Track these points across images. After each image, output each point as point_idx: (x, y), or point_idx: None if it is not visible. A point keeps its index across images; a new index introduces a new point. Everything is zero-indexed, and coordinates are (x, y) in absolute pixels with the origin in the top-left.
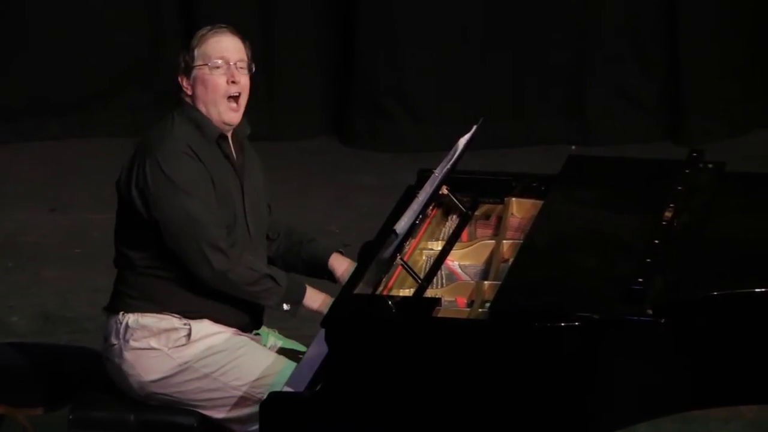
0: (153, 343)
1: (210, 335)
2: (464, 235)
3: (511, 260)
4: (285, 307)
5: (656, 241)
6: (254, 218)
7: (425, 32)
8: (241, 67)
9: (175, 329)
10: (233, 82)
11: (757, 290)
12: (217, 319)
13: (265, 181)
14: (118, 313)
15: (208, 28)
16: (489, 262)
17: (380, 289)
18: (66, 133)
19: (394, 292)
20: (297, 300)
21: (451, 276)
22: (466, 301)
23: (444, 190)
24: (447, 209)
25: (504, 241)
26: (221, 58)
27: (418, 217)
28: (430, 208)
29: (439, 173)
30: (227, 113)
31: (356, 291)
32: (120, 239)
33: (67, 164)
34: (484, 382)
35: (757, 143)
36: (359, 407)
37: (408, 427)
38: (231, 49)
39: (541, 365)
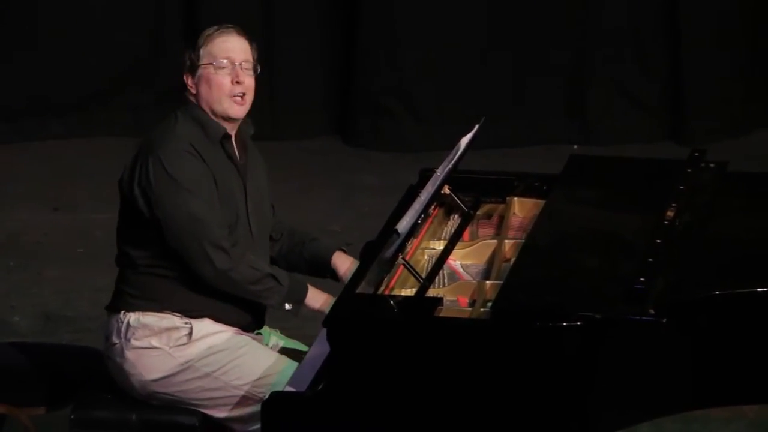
0: (154, 342)
1: (211, 334)
2: (466, 234)
3: (513, 260)
4: (287, 306)
5: (658, 241)
6: (257, 218)
7: (427, 32)
8: (246, 68)
9: (177, 328)
10: (238, 82)
11: (758, 290)
12: (218, 319)
13: (268, 182)
14: (119, 312)
15: (215, 27)
16: (491, 262)
17: (382, 288)
18: (67, 132)
19: (395, 292)
20: (299, 299)
21: (453, 275)
22: (467, 301)
23: (446, 190)
24: (449, 209)
25: (506, 241)
26: (227, 58)
27: (420, 216)
28: (432, 207)
29: (440, 173)
30: (232, 107)
31: (358, 290)
32: (122, 238)
33: (68, 164)
34: (486, 382)
35: (759, 143)
36: (361, 407)
37: (410, 426)
38: (237, 50)
39: (542, 365)
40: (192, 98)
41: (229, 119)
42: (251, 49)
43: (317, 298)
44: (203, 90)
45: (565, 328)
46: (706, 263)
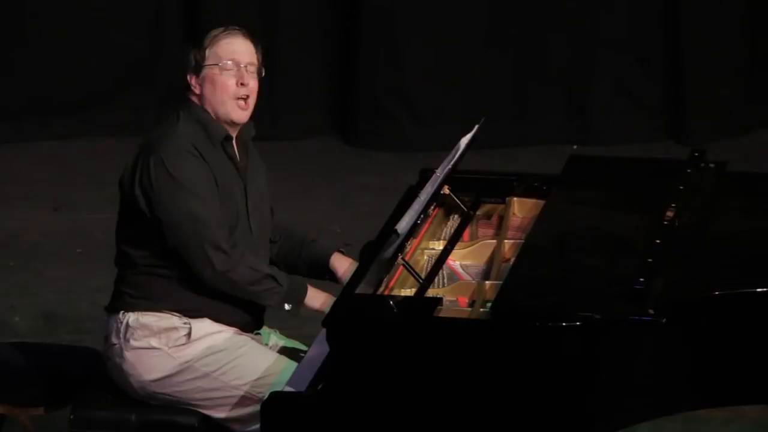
0: (153, 342)
1: (210, 334)
2: (466, 234)
3: (513, 260)
4: (286, 307)
5: (658, 241)
6: (257, 219)
7: (427, 32)
8: (251, 71)
9: (176, 328)
10: (242, 84)
11: (758, 290)
12: (217, 319)
13: (267, 184)
14: (118, 313)
15: (222, 28)
16: (490, 262)
17: (381, 288)
18: (68, 132)
19: (395, 292)
20: (298, 299)
21: (453, 276)
22: (467, 301)
23: (445, 190)
24: (448, 209)
25: (505, 241)
26: (232, 59)
27: (419, 216)
28: (432, 207)
29: (440, 173)
30: (235, 111)
31: (357, 291)
32: (121, 238)
33: (68, 164)
34: (486, 382)
35: (759, 143)
36: (360, 407)
37: (409, 426)
38: (242, 52)
39: (542, 365)
40: (195, 98)
41: (231, 123)
42: (257, 52)
43: (317, 298)
44: (207, 90)
45: (565, 328)
46: (705, 263)
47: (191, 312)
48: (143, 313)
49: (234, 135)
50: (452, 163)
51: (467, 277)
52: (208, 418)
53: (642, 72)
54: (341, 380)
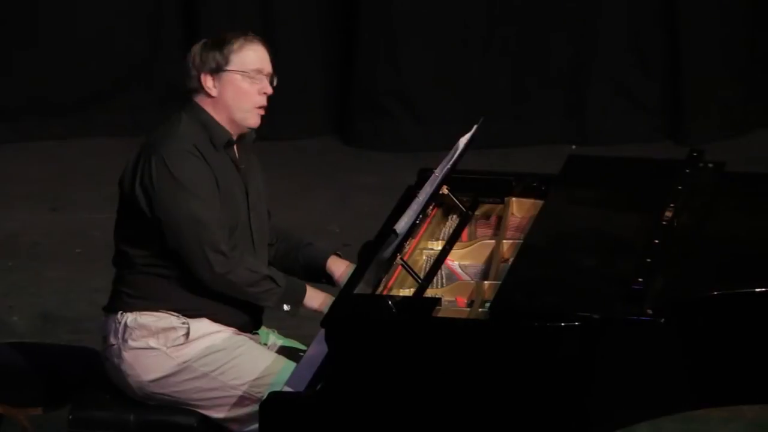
0: (152, 342)
1: (209, 334)
2: (464, 234)
3: (511, 260)
4: (285, 307)
5: (656, 241)
6: (257, 221)
7: (426, 32)
8: (271, 81)
9: (174, 328)
10: (264, 93)
11: (757, 290)
12: (216, 319)
13: (264, 185)
14: (116, 313)
15: (240, 34)
16: (489, 262)
17: (380, 289)
18: (67, 132)
19: (394, 292)
20: (297, 300)
21: (451, 276)
22: (466, 301)
23: (444, 190)
24: (447, 209)
25: (504, 241)
26: (259, 69)
27: (418, 216)
28: (431, 207)
29: (439, 173)
30: (254, 118)
31: (356, 291)
32: (120, 237)
33: (67, 164)
34: (485, 382)
35: (758, 143)
36: (359, 407)
37: (408, 427)
38: (266, 61)
39: (541, 365)
40: (206, 100)
41: (243, 128)
42: (271, 60)
43: (315, 299)
44: (228, 95)
45: (564, 328)
46: (704, 263)
47: (190, 312)
48: (141, 313)
49: (234, 137)
50: (451, 163)
51: (466, 277)
52: (206, 419)
53: (641, 72)
54: (340, 380)
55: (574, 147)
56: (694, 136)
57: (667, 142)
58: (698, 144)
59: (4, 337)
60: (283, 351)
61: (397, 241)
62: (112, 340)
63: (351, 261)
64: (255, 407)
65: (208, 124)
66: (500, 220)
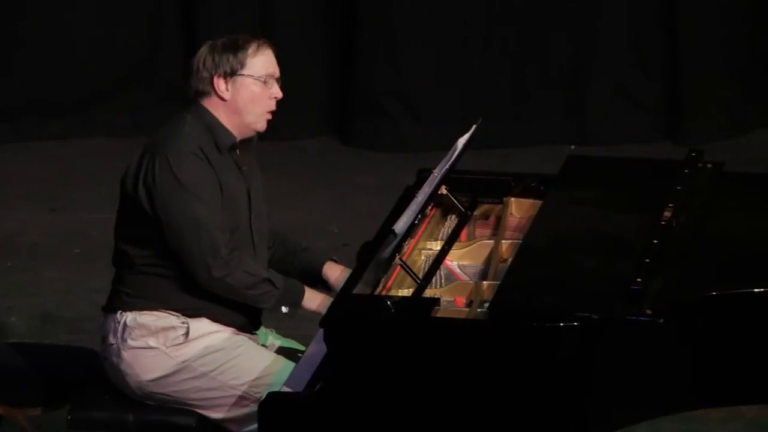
0: (151, 342)
1: (208, 334)
2: (463, 235)
3: (510, 260)
4: (284, 309)
5: (655, 241)
6: (258, 223)
7: (425, 32)
8: (280, 84)
9: (173, 328)
10: (275, 98)
11: (755, 290)
12: (215, 319)
13: (262, 185)
14: (115, 312)
15: (252, 38)
16: (488, 262)
17: (379, 289)
18: (66, 133)
19: (392, 292)
20: (295, 301)
21: (450, 276)
22: (464, 301)
23: (443, 190)
24: (446, 209)
25: (503, 241)
26: (271, 74)
27: (417, 217)
28: (429, 208)
29: (438, 173)
30: (263, 122)
31: (355, 291)
32: (120, 237)
33: (66, 164)
34: (483, 383)
35: (757, 144)
36: (358, 408)
37: (407, 427)
38: (276, 65)
39: (540, 365)
40: (216, 103)
41: (251, 131)
42: None
43: (314, 299)
44: (241, 98)
45: (562, 328)
46: (703, 263)
47: (189, 311)
48: (141, 312)
49: (239, 141)
50: (450, 163)
51: (465, 278)
52: (205, 419)
53: (640, 72)
54: (339, 381)
55: (573, 147)
56: (693, 137)
57: (666, 142)
58: (698, 144)
59: (3, 337)
60: (281, 351)
61: (396, 242)
62: (111, 340)
63: (350, 261)
64: (254, 407)
65: (213, 127)
66: (499, 220)
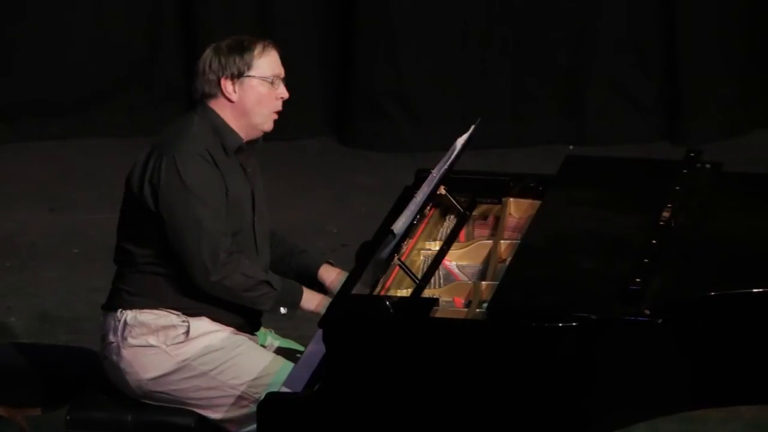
0: (151, 340)
1: (208, 333)
2: (462, 235)
3: (509, 260)
4: (282, 310)
5: (654, 242)
6: (261, 225)
7: (424, 32)
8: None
9: (174, 326)
10: (282, 98)
11: (754, 290)
12: (215, 319)
13: (263, 185)
14: (116, 311)
15: (257, 38)
16: (486, 263)
17: (378, 289)
18: (65, 133)
19: (391, 293)
20: (294, 302)
21: (449, 276)
22: (463, 302)
23: (442, 191)
24: (445, 209)
25: (501, 242)
26: (278, 74)
27: (415, 217)
28: (428, 208)
29: (436, 173)
30: (270, 123)
31: (354, 291)
32: (123, 235)
33: (66, 164)
34: (482, 383)
35: (756, 144)
36: (357, 408)
37: (406, 427)
38: (281, 67)
39: (538, 365)
40: (223, 104)
41: (258, 132)
42: None
43: (312, 300)
44: (248, 100)
45: (561, 328)
46: (701, 264)
47: (190, 311)
48: (141, 310)
49: (246, 143)
50: (448, 163)
51: (463, 278)
52: (204, 419)
53: (639, 72)
54: (337, 381)
55: (571, 147)
56: (692, 137)
57: (665, 142)
58: (696, 144)
59: (2, 337)
60: (280, 352)
61: (394, 242)
62: (111, 338)
63: (348, 261)
64: (253, 408)
65: (220, 129)
66: (498, 220)
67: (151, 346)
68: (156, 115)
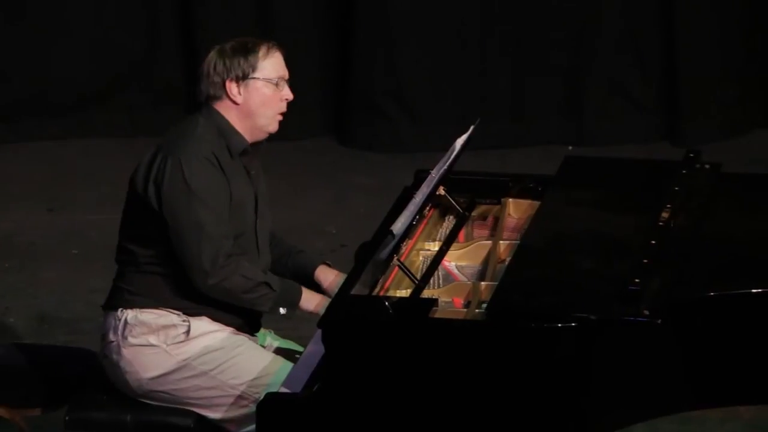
0: (152, 339)
1: (209, 333)
2: (461, 235)
3: (508, 261)
4: (282, 311)
5: (653, 242)
6: (262, 227)
7: (423, 32)
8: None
9: (174, 326)
10: (286, 99)
11: (753, 291)
12: (215, 318)
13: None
14: (116, 310)
15: (260, 41)
16: (486, 263)
17: (377, 290)
18: (64, 133)
19: (390, 293)
20: (293, 303)
21: (448, 277)
22: (462, 302)
23: (441, 191)
24: (444, 210)
25: (501, 242)
26: (282, 76)
27: (414, 217)
28: (427, 208)
29: (436, 174)
30: (275, 125)
31: (353, 292)
32: (125, 235)
33: (64, 165)
34: (481, 383)
35: (756, 144)
36: (356, 408)
37: (405, 428)
38: (286, 68)
39: (538, 366)
40: (227, 106)
41: (263, 134)
42: None
43: (311, 301)
44: (253, 102)
45: (560, 329)
46: (700, 264)
47: (190, 310)
48: (142, 310)
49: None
50: (448, 164)
51: (463, 278)
52: (203, 419)
53: (639, 73)
54: (337, 381)
55: (570, 148)
56: (691, 137)
57: (664, 142)
58: (695, 145)
59: (2, 338)
60: (279, 352)
61: (393, 242)
62: (112, 337)
63: (347, 262)
64: (252, 407)
65: (226, 132)
66: (497, 220)
67: (152, 345)
68: (155, 115)
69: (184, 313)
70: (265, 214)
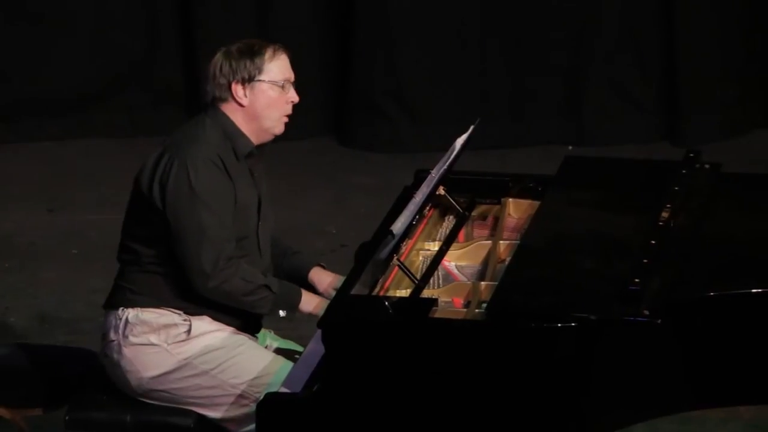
0: (152, 338)
1: (209, 332)
2: (461, 235)
3: (508, 261)
4: (281, 313)
5: (653, 242)
6: (265, 229)
7: (423, 32)
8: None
9: (175, 325)
10: (292, 102)
11: (753, 291)
12: (216, 318)
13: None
14: (117, 309)
15: (266, 43)
16: (486, 263)
17: (377, 289)
18: (64, 133)
19: (390, 293)
20: (292, 305)
21: (448, 277)
22: (462, 302)
23: (441, 191)
24: (444, 210)
25: (501, 242)
26: (288, 78)
27: (414, 217)
28: (427, 208)
29: (436, 174)
30: (281, 126)
31: (353, 292)
32: (128, 234)
33: (64, 165)
34: (481, 383)
35: (756, 144)
36: (356, 408)
37: (405, 428)
38: (291, 71)
39: (537, 366)
40: (233, 108)
41: (269, 136)
42: None
43: (310, 302)
44: (259, 104)
45: (560, 329)
46: (700, 264)
47: (192, 310)
48: (143, 309)
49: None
50: (447, 163)
51: (462, 278)
52: (203, 419)
53: (639, 73)
54: (336, 381)
55: (570, 148)
56: (691, 137)
57: (664, 142)
58: (695, 145)
59: (2, 338)
60: (279, 352)
61: (393, 242)
62: (112, 336)
63: (347, 262)
64: (253, 407)
65: (232, 134)
66: (497, 220)
67: (152, 344)
68: (155, 115)
69: (185, 313)
70: (267, 216)
